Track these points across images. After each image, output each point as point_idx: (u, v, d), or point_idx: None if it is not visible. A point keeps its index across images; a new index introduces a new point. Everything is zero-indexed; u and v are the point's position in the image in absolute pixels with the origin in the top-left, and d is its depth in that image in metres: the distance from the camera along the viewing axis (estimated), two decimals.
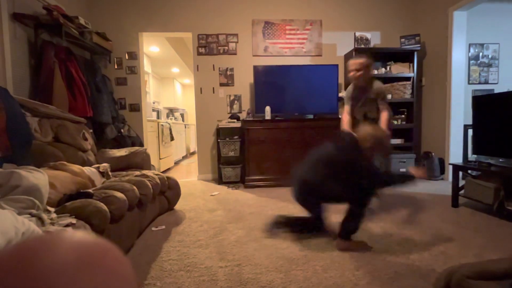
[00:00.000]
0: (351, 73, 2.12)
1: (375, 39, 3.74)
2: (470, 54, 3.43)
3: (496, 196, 1.98)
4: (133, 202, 1.57)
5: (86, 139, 2.20)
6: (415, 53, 3.48)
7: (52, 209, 1.07)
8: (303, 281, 1.23)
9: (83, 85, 2.68)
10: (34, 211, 0.98)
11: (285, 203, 2.47)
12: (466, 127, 2.94)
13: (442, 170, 3.36)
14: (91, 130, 2.54)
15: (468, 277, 0.51)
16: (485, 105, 2.24)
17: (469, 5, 3.05)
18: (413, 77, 3.52)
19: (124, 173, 2.09)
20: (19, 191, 1.03)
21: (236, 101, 3.69)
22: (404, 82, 3.54)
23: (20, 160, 1.40)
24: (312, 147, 3.19)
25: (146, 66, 4.80)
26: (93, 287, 0.16)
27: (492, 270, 0.52)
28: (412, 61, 3.51)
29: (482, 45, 3.46)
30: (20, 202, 0.97)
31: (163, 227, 1.93)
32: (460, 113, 3.25)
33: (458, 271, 0.53)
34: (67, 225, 0.96)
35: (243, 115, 3.62)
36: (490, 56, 3.47)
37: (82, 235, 0.19)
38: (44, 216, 0.96)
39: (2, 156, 1.38)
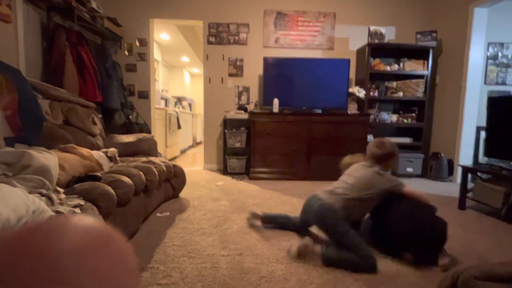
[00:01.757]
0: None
1: (389, 34, 3.64)
2: (488, 53, 3.31)
3: (505, 200, 1.94)
4: (139, 187, 1.60)
5: (95, 124, 2.22)
6: (431, 50, 3.37)
7: (62, 190, 1.10)
8: (303, 274, 1.24)
9: (93, 70, 2.69)
10: (44, 191, 1.00)
11: (289, 197, 2.48)
12: (478, 129, 2.87)
13: (451, 172, 3.30)
14: (100, 115, 2.57)
15: (476, 278, 0.50)
16: (501, 107, 2.17)
17: (491, 2, 2.92)
18: (427, 75, 3.43)
19: (131, 158, 2.12)
20: (29, 170, 1.05)
21: (244, 92, 3.66)
22: (417, 80, 3.45)
23: (31, 141, 1.42)
24: (319, 142, 3.18)
25: (156, 53, 4.79)
26: (96, 274, 0.16)
27: (500, 272, 0.51)
28: (427, 59, 3.41)
29: (502, 44, 3.33)
30: (31, 182, 0.99)
31: (168, 213, 1.96)
32: (473, 114, 3.17)
33: (465, 271, 0.53)
34: (75, 206, 0.98)
35: (250, 107, 3.60)
36: (510, 56, 3.34)
37: (90, 220, 0.19)
38: (54, 196, 0.98)
39: (14, 136, 1.41)
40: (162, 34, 4.68)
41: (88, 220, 0.19)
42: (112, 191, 1.25)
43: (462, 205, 2.24)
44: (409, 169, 3.45)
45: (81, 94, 2.52)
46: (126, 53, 3.53)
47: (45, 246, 0.16)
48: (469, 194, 2.25)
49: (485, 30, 3.08)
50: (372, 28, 3.43)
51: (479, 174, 2.30)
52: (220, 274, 1.23)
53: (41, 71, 2.43)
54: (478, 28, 3.06)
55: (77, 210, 0.96)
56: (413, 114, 3.55)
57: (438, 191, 2.82)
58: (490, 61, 3.33)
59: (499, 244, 1.61)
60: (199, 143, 7.53)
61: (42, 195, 0.98)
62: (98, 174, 1.41)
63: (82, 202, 1.03)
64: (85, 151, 1.65)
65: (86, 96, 2.55)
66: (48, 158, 1.15)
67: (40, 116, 1.56)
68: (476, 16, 3.04)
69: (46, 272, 0.15)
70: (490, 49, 3.32)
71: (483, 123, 2.38)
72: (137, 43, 3.53)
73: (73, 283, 0.15)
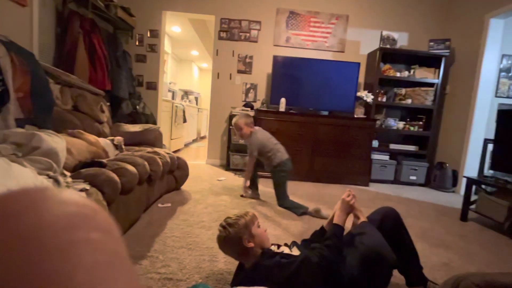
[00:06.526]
0: None
1: (402, 40, 3.60)
2: (501, 66, 3.26)
3: (509, 215, 1.91)
4: (143, 177, 1.61)
5: (103, 111, 2.25)
6: (443, 58, 3.33)
7: (68, 174, 1.11)
8: None
9: (104, 58, 2.72)
10: (51, 173, 1.02)
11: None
12: (486, 141, 2.83)
13: (455, 183, 3.27)
14: (108, 103, 2.59)
15: (477, 286, 0.50)
16: (511, 120, 2.14)
17: (508, 13, 2.88)
18: (437, 84, 3.39)
19: (136, 148, 2.14)
20: (39, 152, 1.07)
21: (252, 90, 3.66)
22: (427, 88, 3.42)
23: (41, 123, 1.45)
24: (323, 144, 3.16)
25: (167, 46, 4.81)
26: (89, 244, 0.16)
27: (502, 281, 0.50)
28: (439, 67, 3.37)
29: None
30: (39, 163, 1.01)
31: (169, 204, 1.98)
32: (482, 126, 3.13)
33: (466, 278, 0.52)
34: (81, 190, 1.00)
35: (257, 105, 3.60)
36: None
37: (69, 192, 0.18)
38: (61, 178, 0.99)
39: (24, 118, 1.43)
40: (174, 27, 4.70)
41: (67, 192, 0.18)
42: (117, 178, 1.27)
43: (464, 217, 2.22)
44: (413, 177, 3.43)
45: (91, 81, 2.55)
46: (137, 43, 3.55)
47: (18, 224, 0.14)
48: (472, 207, 2.23)
49: (500, 42, 3.03)
50: (385, 33, 3.40)
51: (483, 186, 2.28)
52: (218, 268, 1.24)
53: (53, 56, 2.46)
54: (493, 40, 3.02)
55: (83, 194, 0.98)
56: (420, 122, 3.52)
57: (441, 201, 2.80)
58: (502, 73, 3.29)
59: (499, 258, 1.60)
60: (203, 137, 7.56)
61: (49, 177, 0.99)
62: (104, 160, 1.43)
63: (87, 187, 1.04)
64: (92, 137, 1.67)
65: (95, 83, 2.57)
66: (57, 142, 1.17)
67: (51, 100, 1.59)
68: (492, 27, 3.00)
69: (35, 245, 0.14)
70: (504, 61, 3.27)
71: (491, 135, 2.35)
72: (149, 34, 3.54)
73: (65, 255, 0.14)
